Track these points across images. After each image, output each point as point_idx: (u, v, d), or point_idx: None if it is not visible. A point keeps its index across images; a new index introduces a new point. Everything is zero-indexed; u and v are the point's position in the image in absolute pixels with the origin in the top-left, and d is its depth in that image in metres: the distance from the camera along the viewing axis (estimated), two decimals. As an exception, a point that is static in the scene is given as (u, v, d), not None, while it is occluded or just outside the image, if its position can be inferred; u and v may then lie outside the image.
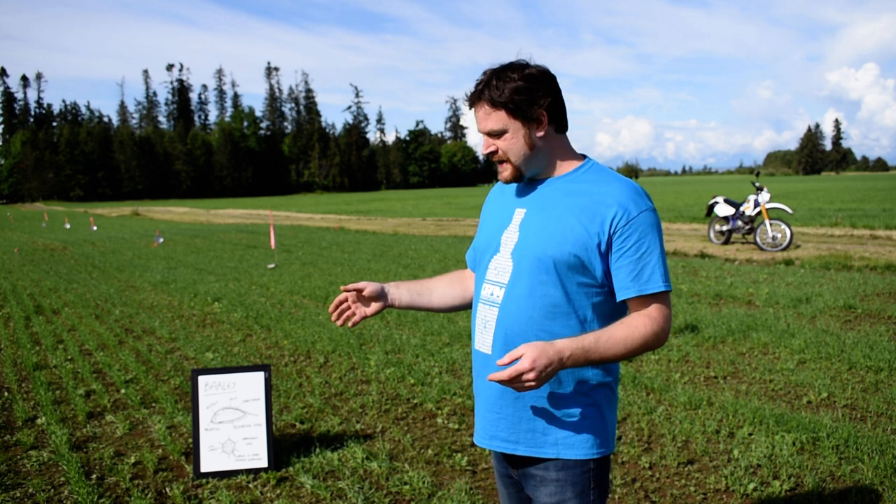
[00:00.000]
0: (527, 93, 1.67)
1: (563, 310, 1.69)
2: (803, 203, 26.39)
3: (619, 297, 1.68)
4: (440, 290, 2.05)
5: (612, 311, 1.72)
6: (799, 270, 10.00)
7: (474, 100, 1.72)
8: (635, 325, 1.64)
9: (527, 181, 1.82)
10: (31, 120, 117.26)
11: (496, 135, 1.71)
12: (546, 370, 1.55)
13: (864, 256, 10.82)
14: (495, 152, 1.73)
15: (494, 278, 1.77)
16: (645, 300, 1.67)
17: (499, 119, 1.69)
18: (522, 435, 1.73)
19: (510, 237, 1.77)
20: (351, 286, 1.95)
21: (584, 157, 1.81)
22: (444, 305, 2.06)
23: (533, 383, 1.55)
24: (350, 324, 1.97)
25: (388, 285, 2.01)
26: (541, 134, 1.71)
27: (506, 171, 1.75)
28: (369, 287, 1.96)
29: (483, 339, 1.78)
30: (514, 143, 1.71)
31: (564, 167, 1.77)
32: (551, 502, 1.73)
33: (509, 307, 1.71)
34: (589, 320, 1.70)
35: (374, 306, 1.98)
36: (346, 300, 1.97)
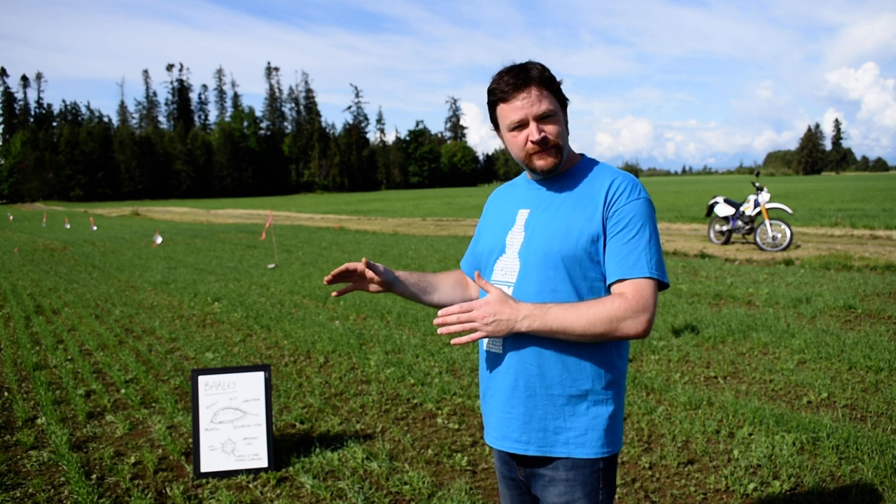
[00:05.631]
0: (556, 81, 1.72)
1: None
2: (803, 203, 26.39)
3: (608, 282, 1.67)
4: (444, 289, 2.02)
5: None
6: (799, 270, 10.00)
7: (521, 84, 1.66)
8: (603, 302, 1.61)
9: (529, 183, 1.84)
10: (31, 120, 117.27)
11: (547, 117, 1.68)
12: (493, 318, 1.61)
13: (864, 256, 10.81)
14: (545, 138, 1.69)
15: (502, 278, 1.76)
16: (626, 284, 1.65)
17: (551, 101, 1.69)
18: (534, 435, 1.72)
19: (515, 237, 1.77)
20: (369, 266, 1.87)
21: (581, 155, 1.84)
22: (441, 304, 2.01)
23: (475, 324, 1.62)
24: (336, 293, 1.91)
25: (399, 276, 1.94)
26: (566, 123, 1.76)
27: (550, 156, 1.71)
28: (386, 275, 1.90)
29: (493, 338, 1.76)
30: (559, 126, 1.71)
31: (570, 161, 1.80)
32: (560, 502, 1.72)
33: None
34: None
35: (374, 288, 1.93)
36: (354, 271, 1.88)
